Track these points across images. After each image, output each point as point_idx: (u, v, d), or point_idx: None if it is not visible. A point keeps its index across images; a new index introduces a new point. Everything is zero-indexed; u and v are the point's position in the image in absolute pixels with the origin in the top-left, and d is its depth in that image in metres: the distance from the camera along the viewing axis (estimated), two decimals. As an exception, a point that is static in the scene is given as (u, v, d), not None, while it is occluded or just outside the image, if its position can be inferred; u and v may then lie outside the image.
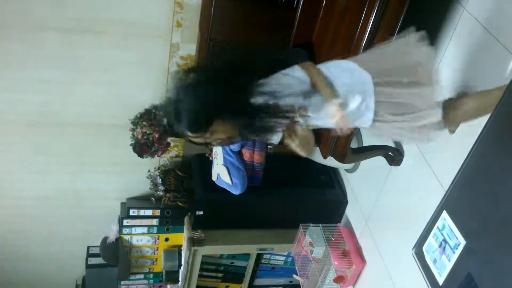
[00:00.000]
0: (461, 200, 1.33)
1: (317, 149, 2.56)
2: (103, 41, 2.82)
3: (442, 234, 1.35)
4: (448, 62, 2.18)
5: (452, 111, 1.81)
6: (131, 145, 3.08)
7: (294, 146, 1.64)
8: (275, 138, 1.70)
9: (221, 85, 1.53)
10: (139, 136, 3.02)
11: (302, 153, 1.65)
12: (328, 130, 2.37)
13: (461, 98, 1.88)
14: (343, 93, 1.62)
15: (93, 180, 3.48)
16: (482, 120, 1.31)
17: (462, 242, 1.27)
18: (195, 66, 1.65)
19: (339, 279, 3.01)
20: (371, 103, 1.66)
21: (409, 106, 1.68)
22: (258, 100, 1.53)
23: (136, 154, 3.08)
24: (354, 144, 2.71)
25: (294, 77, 1.60)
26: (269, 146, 2.97)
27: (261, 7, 2.55)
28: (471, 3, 2.10)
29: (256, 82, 1.55)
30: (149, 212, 3.43)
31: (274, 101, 1.54)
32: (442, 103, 1.74)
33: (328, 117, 1.61)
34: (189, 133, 1.58)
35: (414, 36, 1.73)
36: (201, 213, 3.12)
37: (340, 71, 1.68)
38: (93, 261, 3.69)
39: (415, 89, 1.67)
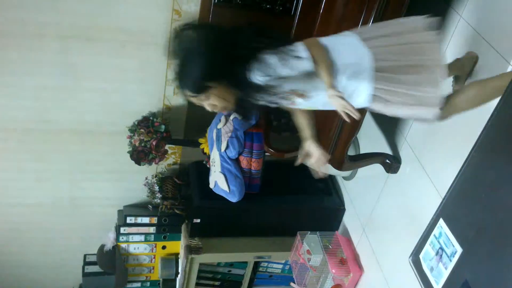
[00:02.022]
0: (457, 208, 1.33)
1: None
2: (101, 48, 2.82)
3: (439, 242, 1.34)
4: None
5: (452, 99, 1.79)
6: (128, 152, 3.07)
7: (310, 163, 1.92)
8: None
9: (223, 51, 1.59)
10: (137, 143, 3.02)
11: (318, 169, 1.92)
12: (325, 137, 2.38)
13: (461, 89, 1.87)
14: (343, 74, 1.64)
15: (90, 188, 3.47)
16: (478, 128, 1.31)
17: (459, 250, 1.27)
18: (200, 24, 1.70)
19: (337, 287, 3.00)
20: (367, 87, 1.66)
21: (407, 96, 1.68)
22: (256, 76, 1.58)
23: (133, 162, 3.07)
24: (351, 152, 2.71)
25: (297, 57, 1.61)
26: (266, 154, 2.97)
27: (258, 15, 2.56)
28: (467, 12, 2.11)
29: (258, 55, 1.58)
30: (146, 220, 3.42)
31: (272, 82, 1.59)
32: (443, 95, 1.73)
33: (328, 102, 1.64)
34: (188, 92, 1.65)
35: (422, 21, 1.74)
36: (199, 220, 3.11)
37: (344, 49, 1.68)
38: (90, 269, 3.67)
39: (417, 76, 1.67)
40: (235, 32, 1.65)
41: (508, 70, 1.87)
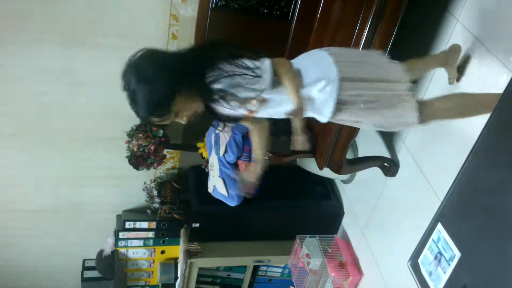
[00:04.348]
0: (456, 212, 1.33)
1: (313, 160, 2.57)
2: (99, 53, 2.83)
3: (437, 246, 1.34)
4: (442, 74, 2.19)
5: (432, 104, 1.80)
6: (126, 157, 3.07)
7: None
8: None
9: (172, 63, 1.55)
10: (135, 148, 3.02)
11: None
12: (324, 141, 2.39)
13: (441, 97, 1.88)
14: (309, 87, 1.68)
15: (88, 193, 3.47)
16: (476, 132, 1.32)
17: (457, 254, 1.27)
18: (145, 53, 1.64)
19: (336, 291, 3.00)
20: (332, 102, 1.68)
21: (376, 102, 1.69)
22: (213, 77, 1.56)
23: (131, 166, 3.07)
24: (349, 155, 2.71)
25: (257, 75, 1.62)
26: (265, 158, 2.97)
27: (256, 20, 2.56)
28: (464, 15, 2.12)
29: (213, 59, 1.58)
30: (145, 225, 3.42)
31: (229, 83, 1.58)
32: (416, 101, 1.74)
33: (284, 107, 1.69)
34: (154, 118, 1.59)
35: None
36: (197, 225, 3.11)
37: (312, 64, 1.72)
38: (89, 274, 3.66)
39: (385, 84, 1.70)
40: (187, 51, 1.65)
41: (505, 73, 1.87)
